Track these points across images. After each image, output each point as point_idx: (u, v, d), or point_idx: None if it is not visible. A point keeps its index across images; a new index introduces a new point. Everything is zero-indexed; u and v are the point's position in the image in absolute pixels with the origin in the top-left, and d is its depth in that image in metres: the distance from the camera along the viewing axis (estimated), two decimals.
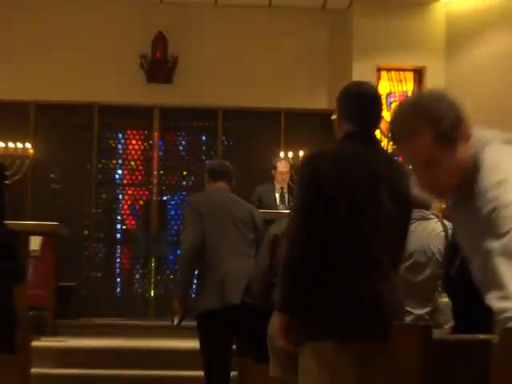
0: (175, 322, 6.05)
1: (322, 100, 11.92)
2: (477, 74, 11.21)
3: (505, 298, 2.45)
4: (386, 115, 11.96)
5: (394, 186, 3.98)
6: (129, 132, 12.25)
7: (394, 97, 12.02)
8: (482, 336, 3.33)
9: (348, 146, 4.01)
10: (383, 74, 11.98)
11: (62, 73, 11.42)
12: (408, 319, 4.48)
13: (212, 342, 5.95)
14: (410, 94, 12.05)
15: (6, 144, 10.52)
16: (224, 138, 11.99)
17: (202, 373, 6.10)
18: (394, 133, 2.81)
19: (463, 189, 2.75)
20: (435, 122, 2.66)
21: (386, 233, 3.89)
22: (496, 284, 2.50)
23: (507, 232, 2.52)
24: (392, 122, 2.84)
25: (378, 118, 4.13)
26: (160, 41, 11.78)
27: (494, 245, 2.54)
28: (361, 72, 11.49)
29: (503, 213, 2.55)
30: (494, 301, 2.48)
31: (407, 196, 4.08)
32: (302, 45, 11.86)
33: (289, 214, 4.25)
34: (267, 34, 11.75)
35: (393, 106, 12.01)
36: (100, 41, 11.61)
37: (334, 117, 4.24)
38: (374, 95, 4.14)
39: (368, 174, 3.92)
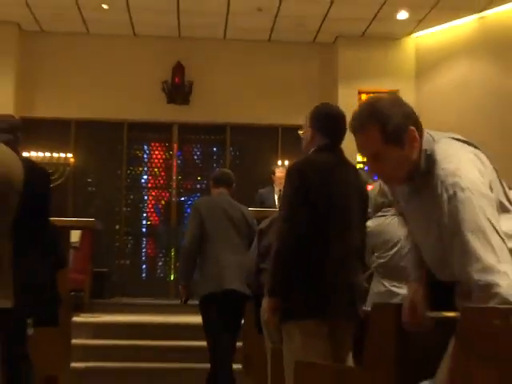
0: (182, 302, 6.38)
1: None
2: (441, 96, 11.21)
3: (484, 269, 2.44)
4: None
5: (359, 192, 4.17)
6: (152, 144, 12.31)
7: None
8: (447, 313, 3.33)
9: (324, 156, 4.15)
10: (363, 96, 11.97)
11: (98, 95, 11.44)
12: (396, 300, 4.47)
13: (212, 320, 6.14)
14: None
15: (52, 154, 10.71)
16: (231, 149, 12.05)
17: None
18: (350, 126, 2.84)
19: (416, 179, 2.79)
20: (383, 122, 2.71)
21: (355, 234, 4.03)
22: (472, 258, 2.49)
23: (467, 209, 2.56)
24: (352, 117, 2.84)
25: (344, 132, 4.23)
26: (178, 69, 11.80)
27: (463, 225, 2.55)
28: (345, 94, 11.52)
29: (462, 195, 2.57)
30: (474, 273, 2.46)
31: (367, 200, 4.34)
32: (296, 72, 11.88)
33: (278, 212, 4.31)
34: (267, 63, 11.79)
35: None
36: (129, 68, 11.65)
37: (301, 132, 4.42)
38: (341, 114, 4.28)
39: (343, 183, 4.08)
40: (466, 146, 2.79)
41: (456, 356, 2.38)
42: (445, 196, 2.60)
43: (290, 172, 4.10)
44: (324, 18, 11.11)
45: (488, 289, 2.45)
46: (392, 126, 2.69)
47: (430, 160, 2.72)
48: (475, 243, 2.51)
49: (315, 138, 4.23)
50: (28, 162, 4.95)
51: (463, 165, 2.67)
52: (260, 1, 10.56)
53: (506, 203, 2.76)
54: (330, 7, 10.67)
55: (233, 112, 11.42)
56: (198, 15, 11.10)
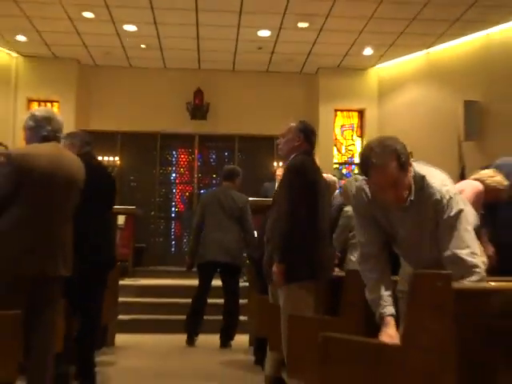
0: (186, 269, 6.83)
1: None
2: (398, 113, 11.22)
3: (472, 255, 2.78)
4: (340, 139, 12.03)
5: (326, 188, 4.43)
6: (179, 150, 12.31)
7: (345, 127, 12.04)
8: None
9: (309, 159, 4.37)
10: (338, 113, 11.99)
11: (137, 113, 11.47)
12: None
13: (201, 282, 6.66)
14: (355, 126, 12.05)
15: (103, 157, 10.93)
16: (239, 154, 12.03)
17: (220, 300, 6.68)
18: (372, 164, 2.85)
19: (412, 195, 2.96)
20: (398, 156, 2.84)
21: (327, 218, 4.24)
22: (464, 245, 2.82)
23: (462, 210, 2.87)
24: (370, 156, 2.86)
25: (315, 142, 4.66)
26: (198, 93, 11.80)
27: (460, 221, 2.87)
28: (324, 112, 11.62)
29: (457, 198, 2.93)
30: (464, 255, 2.78)
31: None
32: (287, 95, 11.87)
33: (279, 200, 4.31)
34: (266, 88, 11.80)
35: (345, 132, 12.02)
36: (161, 93, 11.67)
37: (279, 141, 4.84)
38: (315, 130, 4.69)
39: (323, 181, 4.35)
40: (421, 165, 3.04)
41: (410, 309, 2.39)
42: (444, 200, 2.86)
43: (296, 168, 4.17)
44: (308, 55, 11.10)
45: (474, 268, 2.77)
46: (404, 157, 2.83)
47: (419, 179, 2.92)
48: (467, 235, 2.84)
49: (302, 145, 4.43)
50: (101, 166, 5.26)
51: (441, 177, 2.98)
52: (260, 42, 10.56)
53: None
54: (312, 46, 10.67)
55: (240, 126, 11.45)
56: (213, 52, 11.13)
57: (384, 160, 2.83)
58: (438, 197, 2.92)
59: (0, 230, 3.66)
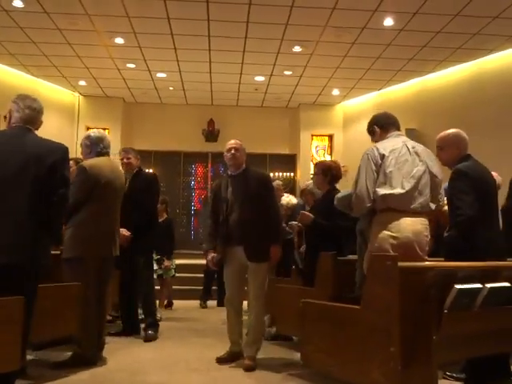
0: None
1: (285, 149, 11.95)
2: (358, 138, 11.21)
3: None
4: (315, 156, 12.03)
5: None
6: (197, 164, 12.25)
7: (319, 147, 12.02)
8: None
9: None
10: (314, 137, 11.97)
11: (166, 138, 11.47)
12: None
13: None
14: (326, 146, 12.05)
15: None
16: None
17: None
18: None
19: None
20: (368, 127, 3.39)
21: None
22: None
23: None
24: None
25: None
26: (211, 122, 11.80)
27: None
28: (304, 136, 11.66)
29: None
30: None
31: None
32: (277, 124, 11.88)
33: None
34: (260, 118, 11.77)
35: (319, 151, 12.01)
36: (184, 122, 11.65)
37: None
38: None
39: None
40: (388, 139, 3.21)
41: (368, 282, 2.40)
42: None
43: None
44: (292, 94, 11.11)
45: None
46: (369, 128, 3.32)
47: None
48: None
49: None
50: (148, 173, 5.16)
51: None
52: (256, 85, 10.57)
53: None
54: (295, 88, 10.69)
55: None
56: (222, 92, 11.13)
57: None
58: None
59: (82, 220, 3.71)
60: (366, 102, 11.22)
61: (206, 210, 6.35)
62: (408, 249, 2.70)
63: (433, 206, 2.98)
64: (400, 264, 2.28)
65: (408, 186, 2.88)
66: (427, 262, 2.82)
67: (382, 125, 3.23)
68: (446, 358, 2.48)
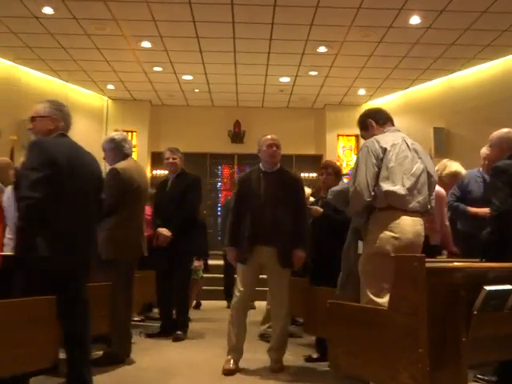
0: None
1: (311, 150, 11.89)
2: None
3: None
4: (342, 156, 11.96)
5: None
6: (223, 166, 12.30)
7: (345, 147, 11.94)
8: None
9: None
10: (340, 137, 11.90)
11: (193, 139, 11.49)
12: None
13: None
14: (353, 146, 11.96)
15: None
16: None
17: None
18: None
19: None
20: (360, 121, 3.25)
21: None
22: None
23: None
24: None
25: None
26: (237, 124, 11.84)
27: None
28: (330, 137, 11.54)
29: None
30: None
31: None
32: (302, 125, 11.85)
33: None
34: (286, 119, 11.74)
35: (345, 151, 11.93)
36: (210, 124, 11.71)
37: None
38: None
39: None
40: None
41: (395, 283, 2.37)
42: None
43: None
44: (317, 95, 11.08)
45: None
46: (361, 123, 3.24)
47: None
48: None
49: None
50: (192, 175, 5.34)
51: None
52: (282, 86, 10.57)
53: None
54: (320, 89, 10.65)
55: None
56: (247, 94, 11.16)
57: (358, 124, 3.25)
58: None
59: (115, 224, 3.75)
60: (393, 102, 11.10)
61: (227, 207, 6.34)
62: (409, 251, 2.59)
63: (429, 206, 2.86)
64: (427, 265, 2.26)
65: (408, 183, 2.75)
66: (456, 263, 2.78)
67: (378, 119, 3.09)
68: (476, 360, 2.44)
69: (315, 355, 3.99)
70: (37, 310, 2.61)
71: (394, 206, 2.71)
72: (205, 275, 7.15)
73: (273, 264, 3.64)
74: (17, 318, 2.51)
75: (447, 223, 4.28)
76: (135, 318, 5.39)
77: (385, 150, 2.82)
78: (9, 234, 3.46)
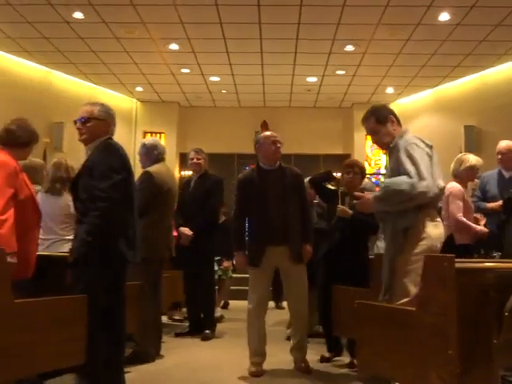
0: None
1: (339, 149, 11.81)
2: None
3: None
4: (370, 156, 11.84)
5: None
6: (251, 166, 12.05)
7: (373, 147, 11.81)
8: None
9: None
10: (368, 137, 11.72)
11: (220, 140, 11.59)
12: None
13: None
14: None
15: None
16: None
17: None
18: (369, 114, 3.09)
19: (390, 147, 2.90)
20: (377, 114, 3.03)
21: None
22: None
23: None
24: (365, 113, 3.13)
25: None
26: (264, 124, 11.80)
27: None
28: (358, 136, 11.41)
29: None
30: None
31: None
32: (330, 124, 11.79)
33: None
34: (313, 119, 11.72)
35: (374, 151, 11.83)
36: (237, 124, 11.75)
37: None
38: None
39: None
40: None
41: (423, 283, 2.34)
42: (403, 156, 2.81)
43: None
44: (345, 94, 11.01)
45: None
46: (380, 115, 3.08)
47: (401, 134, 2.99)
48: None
49: None
50: (214, 176, 5.44)
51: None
52: (309, 85, 10.54)
53: None
54: (348, 88, 10.59)
55: (294, 147, 11.13)
56: (274, 94, 11.18)
57: (370, 114, 3.03)
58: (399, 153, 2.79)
59: (146, 224, 3.76)
60: (422, 100, 10.96)
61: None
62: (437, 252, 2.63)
63: None
64: (457, 265, 2.22)
65: (441, 185, 2.80)
66: (487, 263, 2.73)
67: (397, 117, 3.06)
68: (508, 363, 2.39)
69: (328, 354, 3.95)
70: (68, 308, 2.68)
71: (435, 205, 2.73)
72: (233, 275, 7.17)
73: (287, 263, 3.59)
74: (49, 316, 2.58)
75: (461, 219, 4.12)
76: (165, 318, 5.45)
77: (431, 148, 2.84)
78: (42, 235, 3.54)
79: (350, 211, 3.81)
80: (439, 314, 2.19)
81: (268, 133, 3.89)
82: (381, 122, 3.01)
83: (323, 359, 3.92)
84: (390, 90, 10.77)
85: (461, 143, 9.67)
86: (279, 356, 3.94)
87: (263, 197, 3.62)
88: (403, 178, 2.67)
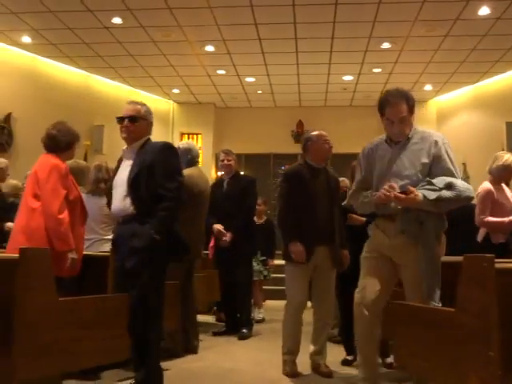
0: None
1: None
2: (453, 134, 10.72)
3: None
4: None
5: None
6: (287, 166, 12.16)
7: None
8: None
9: None
10: None
11: (256, 139, 11.62)
12: None
13: None
14: None
15: None
16: (330, 167, 11.85)
17: None
18: (388, 101, 2.73)
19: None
20: (408, 99, 2.74)
21: None
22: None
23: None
24: (385, 97, 2.77)
25: None
26: (300, 123, 11.80)
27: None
28: None
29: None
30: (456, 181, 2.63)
31: None
32: (365, 123, 11.60)
33: None
34: (349, 118, 11.62)
35: None
36: (273, 124, 11.76)
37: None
38: None
39: None
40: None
41: (462, 284, 2.31)
42: (436, 148, 2.77)
43: None
44: (381, 92, 10.86)
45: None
46: (412, 102, 2.86)
47: (419, 129, 2.92)
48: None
49: None
50: (246, 176, 5.70)
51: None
52: (344, 84, 10.47)
53: None
54: (384, 86, 10.44)
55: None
56: (310, 94, 11.13)
57: (398, 99, 2.69)
58: (425, 145, 2.69)
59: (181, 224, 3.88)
60: (461, 96, 10.72)
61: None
62: None
63: None
64: (497, 266, 2.18)
65: None
66: None
67: None
68: None
69: (350, 357, 3.87)
70: (110, 306, 2.77)
71: None
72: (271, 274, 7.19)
73: (326, 264, 3.54)
74: (92, 313, 2.67)
75: (484, 219, 4.01)
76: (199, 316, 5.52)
77: None
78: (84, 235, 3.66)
79: (362, 218, 3.66)
80: (479, 315, 2.16)
81: (319, 132, 3.80)
82: (411, 110, 2.81)
83: (345, 362, 3.85)
84: (428, 88, 10.58)
85: (502, 140, 9.43)
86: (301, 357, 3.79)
87: (312, 194, 3.55)
88: (463, 183, 2.63)
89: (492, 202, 3.98)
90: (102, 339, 2.68)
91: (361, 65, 9.33)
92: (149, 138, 3.04)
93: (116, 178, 3.01)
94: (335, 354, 3.98)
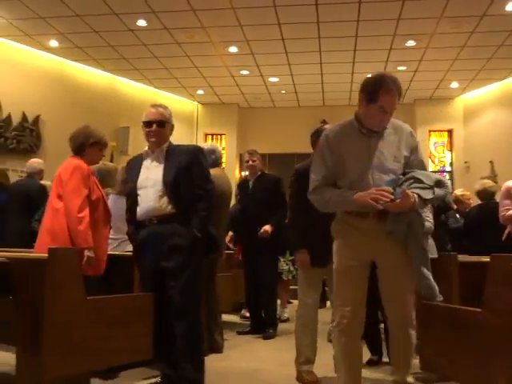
0: None
1: None
2: (480, 131, 10.60)
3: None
4: (434, 153, 11.49)
5: None
6: None
7: (437, 143, 11.49)
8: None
9: None
10: (432, 133, 11.46)
11: (281, 140, 11.62)
12: None
13: None
14: (446, 142, 11.48)
15: None
16: None
17: None
18: (387, 87, 2.50)
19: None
20: (400, 93, 2.55)
21: None
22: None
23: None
24: (383, 80, 2.51)
25: None
26: (323, 123, 11.65)
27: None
28: (420, 132, 11.07)
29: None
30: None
31: None
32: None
33: None
34: None
35: (437, 147, 11.49)
36: (296, 124, 11.68)
37: None
38: None
39: None
40: None
41: (489, 283, 2.28)
42: (412, 140, 2.68)
43: None
44: (406, 90, 10.74)
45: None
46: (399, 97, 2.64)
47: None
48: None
49: None
50: (272, 176, 5.52)
51: None
52: None
53: None
54: (409, 83, 10.33)
55: None
56: (333, 93, 11.08)
57: (398, 89, 2.48)
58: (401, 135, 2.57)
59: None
60: (489, 93, 10.53)
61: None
62: None
63: None
64: None
65: None
66: None
67: None
68: None
69: (375, 357, 3.77)
70: (136, 305, 2.80)
71: None
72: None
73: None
74: (119, 312, 2.71)
75: (505, 214, 4.07)
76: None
77: None
78: (112, 235, 3.71)
79: None
80: (507, 314, 2.13)
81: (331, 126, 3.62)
82: (398, 101, 2.59)
83: (371, 362, 3.73)
84: (454, 85, 10.42)
85: None
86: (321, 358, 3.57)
87: None
88: (444, 178, 2.63)
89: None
90: (128, 338, 2.72)
91: (385, 63, 9.25)
92: (169, 142, 3.09)
93: (143, 178, 3.00)
94: None
